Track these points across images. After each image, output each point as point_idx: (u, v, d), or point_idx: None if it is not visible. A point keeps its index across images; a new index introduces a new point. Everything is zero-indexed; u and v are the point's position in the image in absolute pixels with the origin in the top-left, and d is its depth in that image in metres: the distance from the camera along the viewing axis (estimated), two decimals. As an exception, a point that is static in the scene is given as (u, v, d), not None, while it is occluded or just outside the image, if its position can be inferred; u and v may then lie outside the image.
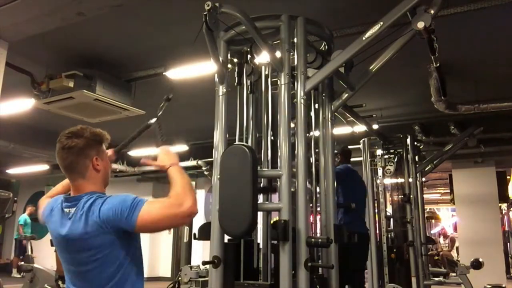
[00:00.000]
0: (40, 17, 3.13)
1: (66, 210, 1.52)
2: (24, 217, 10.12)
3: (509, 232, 11.37)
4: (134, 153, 7.82)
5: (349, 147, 4.38)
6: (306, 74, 2.40)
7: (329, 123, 2.69)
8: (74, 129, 1.57)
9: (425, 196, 6.32)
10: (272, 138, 2.66)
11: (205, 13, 2.06)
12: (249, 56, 2.67)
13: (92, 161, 1.55)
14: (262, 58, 2.64)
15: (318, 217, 2.71)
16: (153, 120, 1.84)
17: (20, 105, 5.24)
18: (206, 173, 8.13)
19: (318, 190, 2.73)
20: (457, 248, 9.73)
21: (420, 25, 2.25)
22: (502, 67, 4.77)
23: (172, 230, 10.25)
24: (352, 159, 4.30)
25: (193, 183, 9.29)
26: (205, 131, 4.01)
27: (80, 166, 1.53)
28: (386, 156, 5.20)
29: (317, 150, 2.72)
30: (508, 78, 4.95)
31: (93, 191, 1.53)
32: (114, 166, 7.96)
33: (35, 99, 4.64)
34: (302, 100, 2.35)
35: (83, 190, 1.54)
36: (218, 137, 2.49)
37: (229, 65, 2.69)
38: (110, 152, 1.72)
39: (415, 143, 5.44)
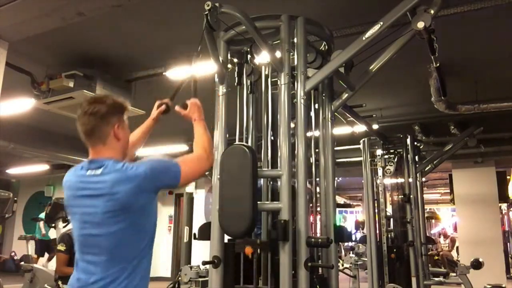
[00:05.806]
0: (40, 17, 3.12)
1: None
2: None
3: (509, 232, 11.36)
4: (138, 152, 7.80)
5: (349, 147, 4.37)
6: (306, 74, 2.40)
7: (329, 123, 2.69)
8: (97, 96, 1.65)
9: (425, 196, 6.32)
10: (272, 138, 2.66)
11: (205, 13, 2.06)
12: (249, 56, 2.67)
13: (114, 128, 1.57)
14: (262, 58, 2.64)
15: (318, 217, 2.71)
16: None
17: (20, 105, 5.23)
18: (206, 173, 8.11)
19: (318, 190, 2.73)
20: (457, 248, 9.72)
21: (420, 25, 2.26)
22: (502, 67, 4.76)
23: (172, 230, 10.28)
24: (352, 159, 4.29)
25: (193, 183, 9.29)
26: (205, 131, 4.00)
27: (101, 132, 1.55)
28: (386, 156, 5.21)
29: (317, 150, 2.72)
30: (508, 78, 4.94)
31: (114, 158, 1.54)
32: None
33: (35, 99, 4.63)
34: (302, 100, 2.35)
35: (102, 156, 1.55)
36: (218, 137, 2.49)
37: (229, 65, 2.69)
38: (166, 100, 1.95)
39: (415, 143, 5.44)
